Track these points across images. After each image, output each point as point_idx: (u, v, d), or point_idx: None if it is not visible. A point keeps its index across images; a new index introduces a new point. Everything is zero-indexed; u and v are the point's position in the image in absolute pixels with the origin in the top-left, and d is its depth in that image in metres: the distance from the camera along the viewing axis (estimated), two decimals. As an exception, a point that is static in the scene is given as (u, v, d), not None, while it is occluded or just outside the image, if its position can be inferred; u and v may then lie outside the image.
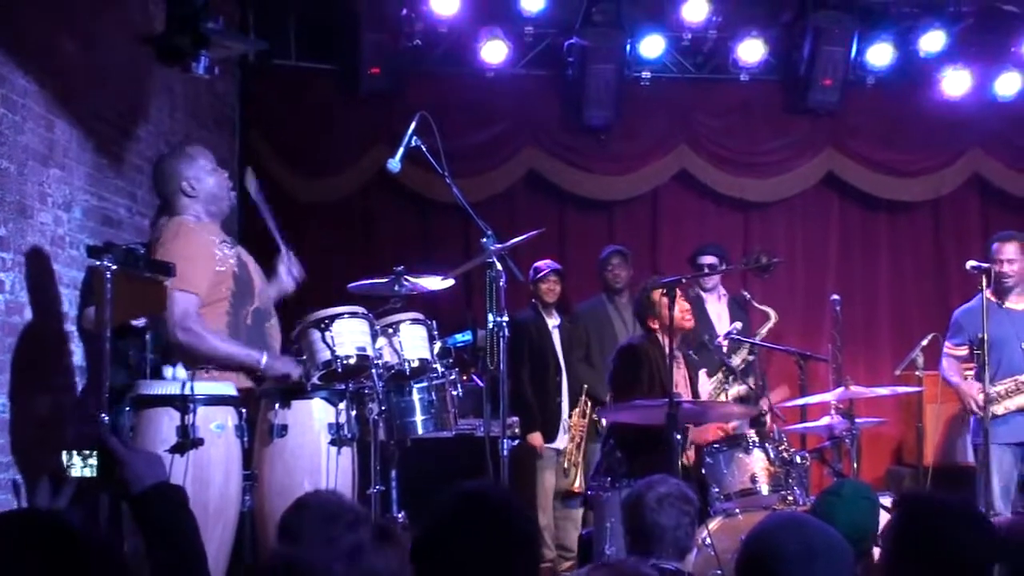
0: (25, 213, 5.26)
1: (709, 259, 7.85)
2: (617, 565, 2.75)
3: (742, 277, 8.51)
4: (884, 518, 4.60)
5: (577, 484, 7.53)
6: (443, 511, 2.50)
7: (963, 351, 6.86)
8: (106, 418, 4.13)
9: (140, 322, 4.96)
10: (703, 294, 7.81)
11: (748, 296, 7.69)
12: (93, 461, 2.58)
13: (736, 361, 7.09)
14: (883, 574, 2.85)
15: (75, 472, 2.59)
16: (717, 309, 7.79)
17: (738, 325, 7.31)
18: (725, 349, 7.04)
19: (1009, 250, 6.77)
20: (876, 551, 5.00)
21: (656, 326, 5.92)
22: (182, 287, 4.73)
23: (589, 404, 7.58)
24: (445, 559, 2.41)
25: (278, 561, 2.51)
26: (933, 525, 2.80)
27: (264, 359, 4.84)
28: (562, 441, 7.60)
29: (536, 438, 7.39)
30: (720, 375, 6.83)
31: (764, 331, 7.33)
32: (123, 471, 2.54)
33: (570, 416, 7.61)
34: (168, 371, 4.57)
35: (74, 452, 2.59)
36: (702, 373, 6.64)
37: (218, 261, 4.88)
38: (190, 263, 4.76)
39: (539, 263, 7.67)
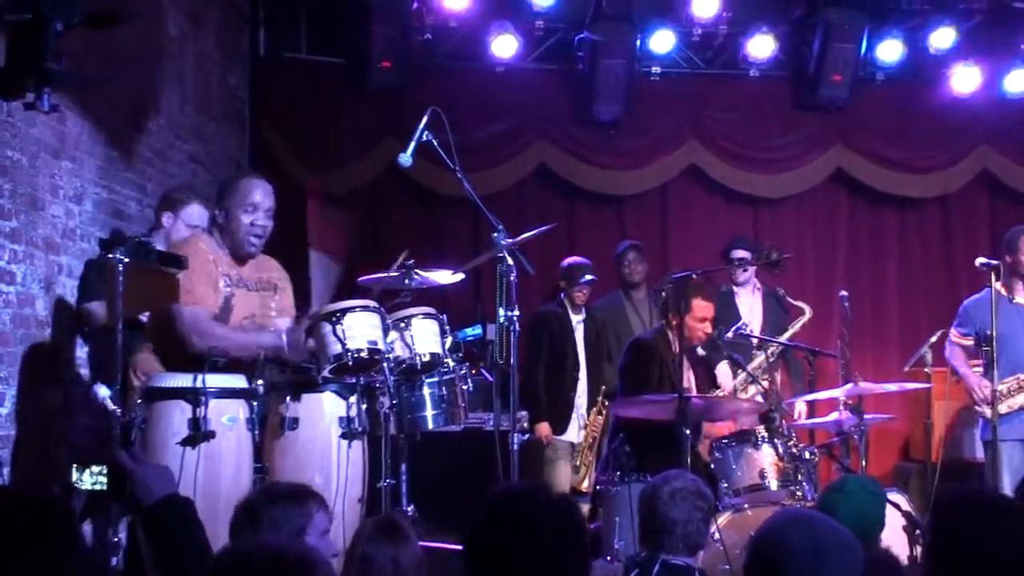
0: (36, 205, 5.28)
1: (741, 253, 7.85)
2: None
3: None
4: (891, 513, 4.61)
5: (585, 484, 7.48)
6: (494, 512, 2.51)
7: (969, 341, 6.84)
8: (118, 411, 4.14)
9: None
10: (736, 288, 7.82)
11: (783, 292, 7.69)
12: (103, 477, 2.62)
13: (759, 360, 7.09)
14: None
15: (84, 487, 2.62)
16: (750, 303, 7.79)
17: (747, 321, 7.31)
18: (752, 340, 7.02)
19: None
20: (883, 545, 5.04)
21: (675, 322, 5.87)
22: (190, 301, 4.68)
23: (607, 404, 7.48)
24: (499, 561, 2.42)
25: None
26: (972, 522, 2.77)
27: (283, 335, 4.80)
28: (576, 435, 7.54)
29: (543, 428, 7.35)
30: (744, 374, 6.82)
31: (798, 326, 7.33)
32: (133, 485, 2.58)
33: (588, 414, 7.55)
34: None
35: (82, 467, 2.63)
36: (724, 364, 6.62)
37: (218, 288, 4.82)
38: (197, 279, 4.72)
39: (573, 260, 7.55)
